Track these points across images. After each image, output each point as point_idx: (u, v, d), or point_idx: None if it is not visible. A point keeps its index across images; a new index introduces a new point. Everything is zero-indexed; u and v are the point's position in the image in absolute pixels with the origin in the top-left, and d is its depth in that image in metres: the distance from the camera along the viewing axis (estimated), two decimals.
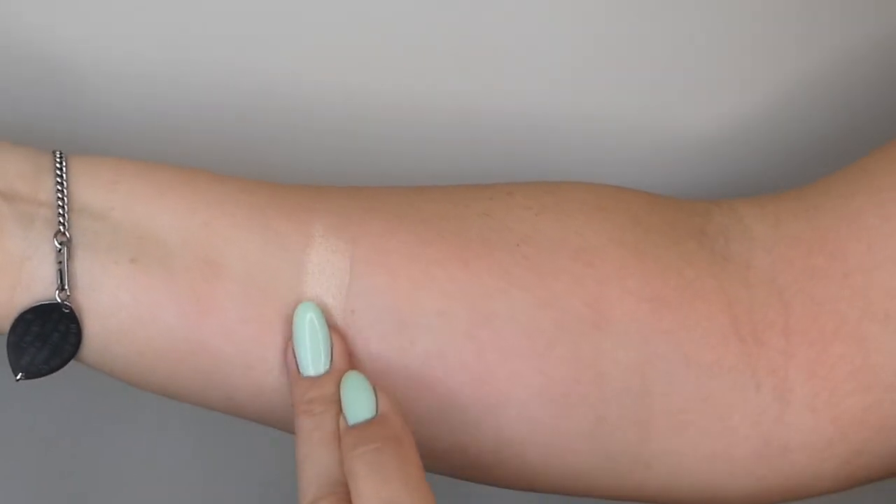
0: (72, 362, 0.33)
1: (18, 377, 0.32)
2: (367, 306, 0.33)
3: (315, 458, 0.30)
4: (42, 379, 0.33)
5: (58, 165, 0.33)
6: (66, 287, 0.32)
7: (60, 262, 0.32)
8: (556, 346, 0.33)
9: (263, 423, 0.35)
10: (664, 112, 0.42)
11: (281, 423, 0.34)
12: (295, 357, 0.32)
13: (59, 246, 0.32)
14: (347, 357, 0.32)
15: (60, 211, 0.32)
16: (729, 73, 0.42)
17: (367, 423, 0.30)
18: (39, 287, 0.32)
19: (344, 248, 0.33)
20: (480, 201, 0.35)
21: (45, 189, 0.33)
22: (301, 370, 0.32)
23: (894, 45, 0.42)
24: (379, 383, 0.31)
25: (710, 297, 0.34)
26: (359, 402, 0.30)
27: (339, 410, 0.31)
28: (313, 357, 0.32)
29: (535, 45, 0.41)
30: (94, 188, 0.33)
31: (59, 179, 0.33)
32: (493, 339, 0.33)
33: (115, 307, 0.32)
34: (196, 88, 0.41)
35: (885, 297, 0.33)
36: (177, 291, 0.32)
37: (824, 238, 0.35)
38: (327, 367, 0.32)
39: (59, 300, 0.32)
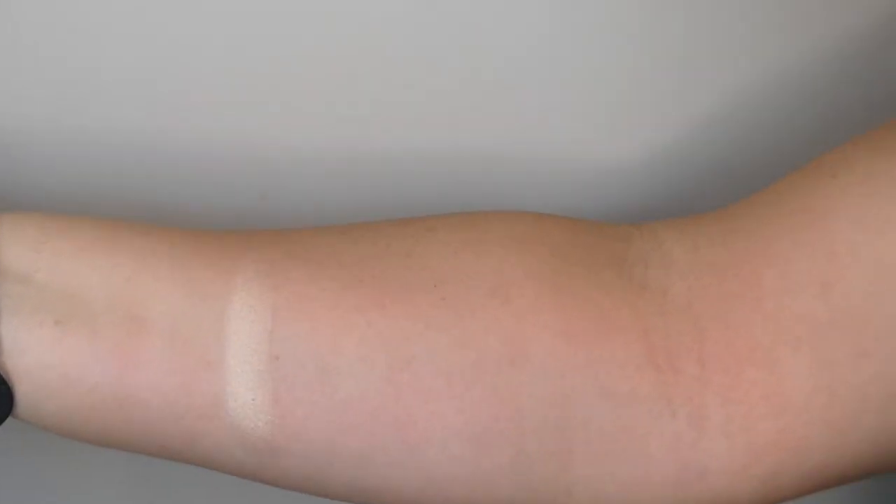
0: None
1: None
2: (289, 353, 0.34)
3: None
4: None
5: None
6: None
7: None
8: (475, 385, 0.34)
9: (205, 467, 0.36)
10: (588, 140, 0.43)
11: (218, 467, 0.35)
12: None
13: None
14: None
15: None
16: (651, 101, 0.42)
17: None
18: None
19: (266, 295, 0.34)
20: (402, 240, 0.36)
21: None
22: None
23: (812, 72, 0.42)
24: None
25: (626, 328, 0.35)
26: None
27: None
28: None
29: (460, 77, 0.41)
30: (18, 250, 0.34)
31: None
32: (412, 382, 0.34)
33: (42, 368, 0.33)
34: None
35: (795, 322, 0.34)
36: (102, 350, 0.33)
37: (739, 263, 0.35)
38: None
39: None
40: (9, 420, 0.34)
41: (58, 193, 0.41)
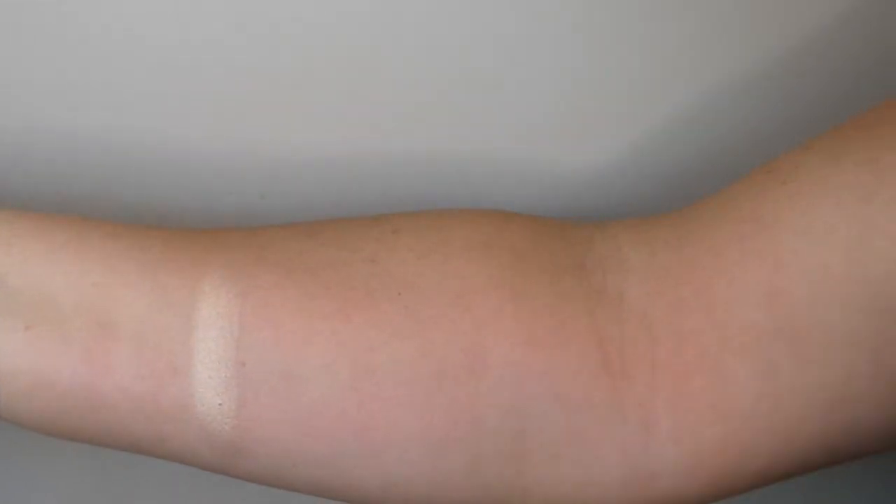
0: None
1: None
2: (256, 359, 0.35)
3: None
4: None
5: None
6: None
7: None
8: (435, 393, 0.35)
9: (174, 462, 0.37)
10: (553, 142, 0.43)
11: (186, 463, 0.36)
12: None
13: None
14: None
15: None
16: (615, 104, 0.43)
17: None
18: None
19: (233, 301, 0.35)
20: (368, 244, 0.37)
21: None
22: None
23: (773, 75, 0.43)
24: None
25: (582, 336, 0.36)
26: None
27: None
28: None
29: (423, 77, 0.41)
30: None
31: None
32: (375, 390, 0.35)
33: (14, 373, 0.34)
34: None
35: (742, 330, 0.35)
36: (72, 355, 0.34)
37: (691, 269, 0.36)
38: None
39: None
40: None
41: (58, 193, 0.42)
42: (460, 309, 0.35)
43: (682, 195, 0.41)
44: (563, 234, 0.38)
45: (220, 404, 0.35)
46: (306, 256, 0.36)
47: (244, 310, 0.35)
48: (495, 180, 0.43)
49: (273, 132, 0.42)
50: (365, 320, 0.35)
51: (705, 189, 0.39)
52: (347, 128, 0.42)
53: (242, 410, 0.35)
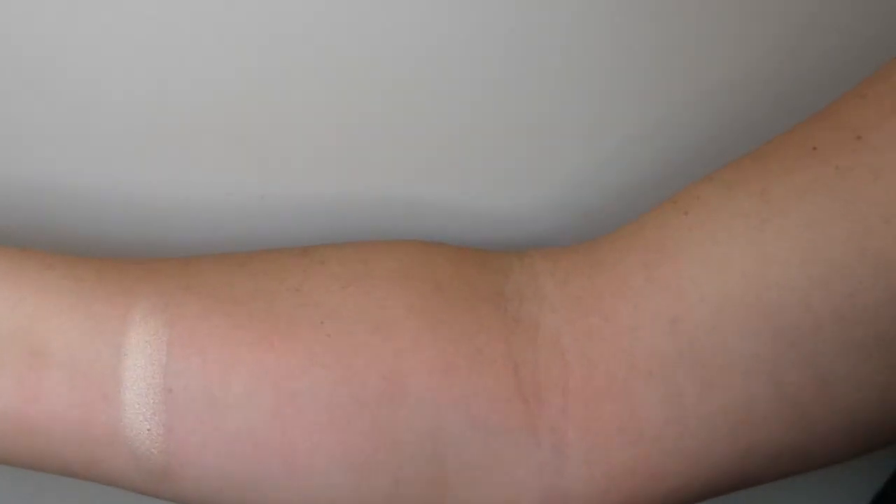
0: None
1: None
2: (182, 387, 0.36)
3: None
4: None
5: None
6: None
7: None
8: (356, 419, 0.36)
9: (105, 485, 0.38)
10: (486, 178, 0.44)
11: (117, 486, 0.37)
12: None
13: None
14: None
15: None
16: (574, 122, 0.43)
17: None
18: None
19: (161, 330, 0.36)
20: (294, 274, 0.38)
21: None
22: None
23: (725, 91, 0.43)
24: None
25: (498, 362, 0.37)
26: None
27: None
28: None
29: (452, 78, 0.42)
30: None
31: None
32: (297, 416, 0.36)
33: None
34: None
35: (648, 356, 0.36)
36: (3, 383, 0.35)
37: (601, 297, 0.38)
38: None
39: None
40: None
41: (57, 194, 0.42)
42: (381, 337, 0.37)
43: (609, 227, 0.42)
44: (483, 262, 0.40)
45: (148, 429, 0.36)
46: (235, 286, 0.38)
47: (171, 338, 0.36)
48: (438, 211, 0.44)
49: (273, 132, 0.42)
50: (288, 349, 0.36)
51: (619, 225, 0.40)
52: (347, 129, 0.42)
53: (169, 435, 0.36)
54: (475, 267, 0.40)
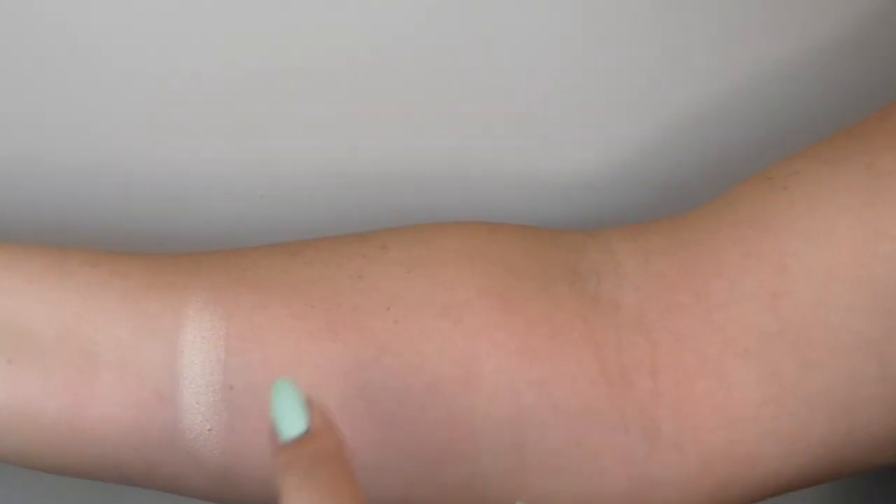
0: None
1: None
2: (244, 383, 0.34)
3: None
4: None
5: None
6: None
7: None
8: (429, 408, 0.34)
9: (166, 492, 0.36)
10: (547, 149, 0.43)
11: (179, 493, 0.35)
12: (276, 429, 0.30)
13: None
14: (323, 416, 0.30)
15: None
16: (609, 111, 0.42)
17: (299, 440, 0.30)
18: None
19: (218, 324, 0.34)
20: (353, 260, 0.36)
21: None
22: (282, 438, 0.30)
23: (769, 79, 0.42)
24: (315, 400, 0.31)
25: (578, 343, 0.35)
26: (289, 418, 0.30)
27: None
28: (291, 424, 0.30)
29: (422, 83, 0.41)
30: None
31: None
32: (367, 408, 0.34)
33: None
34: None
35: (743, 332, 0.34)
36: (54, 387, 0.33)
37: (689, 274, 0.36)
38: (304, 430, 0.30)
39: None
40: None
41: (57, 194, 0.41)
42: (451, 320, 0.35)
43: (673, 205, 0.41)
44: (554, 242, 0.37)
45: (209, 430, 0.34)
46: (291, 275, 0.35)
47: (229, 332, 0.34)
48: (489, 190, 0.43)
49: (273, 132, 0.41)
50: (354, 338, 0.34)
51: (694, 200, 0.39)
52: (347, 130, 0.41)
53: (232, 435, 0.34)
54: (545, 245, 0.37)
